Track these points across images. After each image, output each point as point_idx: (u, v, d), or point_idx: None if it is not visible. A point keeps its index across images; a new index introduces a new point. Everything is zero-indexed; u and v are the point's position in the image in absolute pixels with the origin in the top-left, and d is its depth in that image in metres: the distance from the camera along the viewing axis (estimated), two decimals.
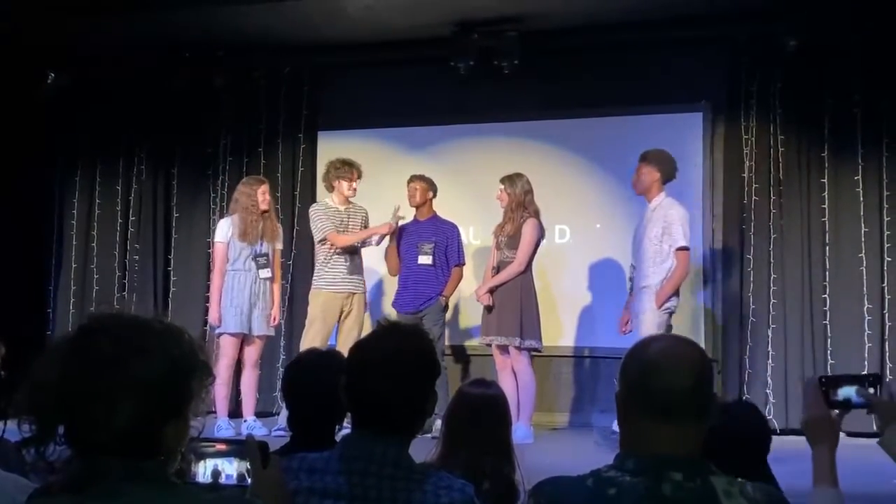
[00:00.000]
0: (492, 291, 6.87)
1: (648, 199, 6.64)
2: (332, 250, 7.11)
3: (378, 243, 7.27)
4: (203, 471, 1.80)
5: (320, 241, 7.19)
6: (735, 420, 2.53)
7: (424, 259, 7.15)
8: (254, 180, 7.33)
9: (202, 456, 1.80)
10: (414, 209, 7.35)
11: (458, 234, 7.37)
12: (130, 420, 1.55)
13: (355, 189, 7.17)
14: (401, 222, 7.31)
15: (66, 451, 1.58)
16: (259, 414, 7.38)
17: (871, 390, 2.22)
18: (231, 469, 1.83)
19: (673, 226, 6.47)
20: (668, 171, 6.65)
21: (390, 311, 7.46)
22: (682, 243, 6.46)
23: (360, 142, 8.43)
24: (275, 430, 6.73)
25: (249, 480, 1.82)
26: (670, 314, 6.51)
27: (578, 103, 8.08)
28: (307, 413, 2.91)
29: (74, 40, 7.88)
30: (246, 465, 1.82)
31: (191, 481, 1.75)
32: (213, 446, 1.82)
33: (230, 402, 7.34)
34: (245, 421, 7.11)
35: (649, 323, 6.40)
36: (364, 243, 7.23)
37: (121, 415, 1.55)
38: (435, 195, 7.35)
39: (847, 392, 2.21)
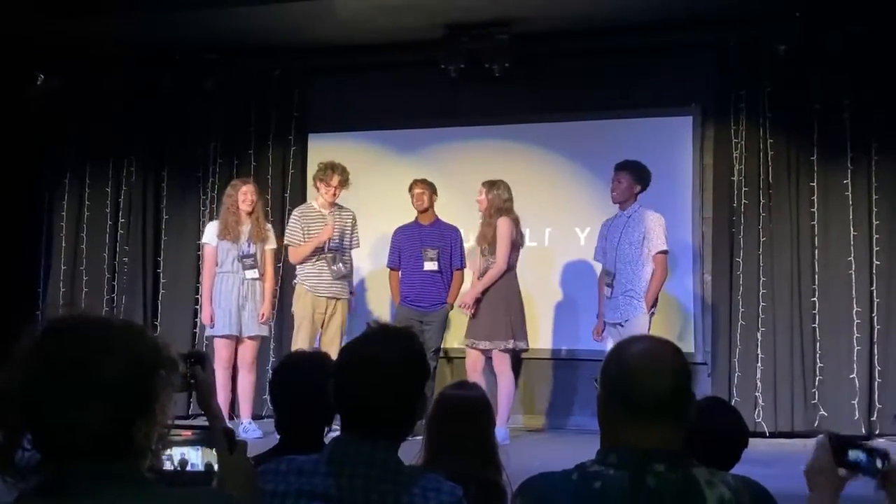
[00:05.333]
0: (478, 299, 6.89)
1: (623, 208, 6.77)
2: (319, 253, 7.13)
3: (328, 250, 7.18)
4: (170, 460, 1.80)
5: (285, 243, 7.32)
6: (709, 418, 2.54)
7: (430, 265, 7.20)
8: (238, 181, 7.42)
9: (169, 445, 1.79)
10: (417, 213, 7.38)
11: (461, 239, 7.42)
12: (98, 420, 1.54)
13: (333, 193, 7.16)
14: (402, 223, 7.44)
15: (35, 457, 1.56)
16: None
17: (879, 464, 2.18)
18: (197, 458, 1.84)
19: (654, 230, 6.62)
20: (647, 183, 6.83)
21: (377, 313, 7.50)
22: (664, 247, 6.63)
23: (350, 144, 8.42)
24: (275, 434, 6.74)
25: (216, 468, 1.82)
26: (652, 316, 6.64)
27: (569, 106, 8.08)
28: (295, 415, 2.90)
29: (64, 42, 7.86)
30: (212, 452, 1.82)
31: (159, 469, 1.75)
32: (180, 434, 1.82)
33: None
34: (241, 423, 7.10)
35: (641, 327, 6.46)
36: (331, 249, 7.18)
37: (88, 415, 1.53)
38: (436, 198, 7.39)
39: (857, 455, 2.18)
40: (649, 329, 6.50)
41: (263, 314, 7.25)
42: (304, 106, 8.60)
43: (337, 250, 7.20)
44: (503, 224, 6.87)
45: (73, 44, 7.89)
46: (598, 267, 7.09)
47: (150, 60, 8.26)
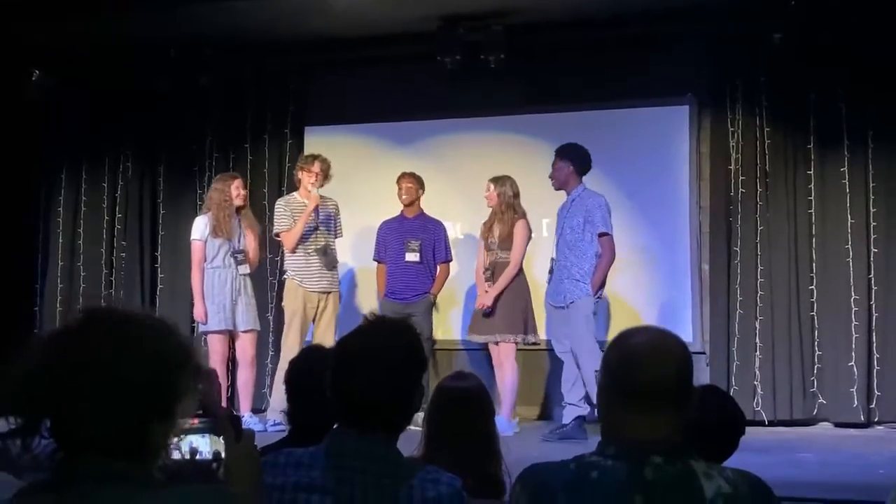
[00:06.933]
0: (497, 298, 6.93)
1: (567, 193, 6.81)
2: (308, 239, 7.15)
3: (318, 221, 7.19)
4: (179, 448, 1.80)
5: (275, 234, 7.35)
6: (705, 406, 2.53)
7: (411, 256, 7.28)
8: (227, 176, 7.38)
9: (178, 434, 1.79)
10: (403, 206, 7.43)
11: (445, 232, 7.49)
12: (116, 420, 1.52)
13: (314, 182, 7.12)
14: (385, 218, 7.51)
15: (51, 446, 1.55)
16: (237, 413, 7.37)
17: None
18: (205, 446, 1.84)
19: (593, 213, 6.63)
20: (582, 163, 6.82)
21: (373, 305, 7.52)
22: (603, 229, 6.63)
23: (347, 138, 8.42)
24: (270, 426, 6.76)
25: (224, 455, 1.82)
26: (598, 301, 6.69)
27: (565, 97, 8.07)
28: (308, 410, 2.90)
29: (60, 39, 7.84)
30: (220, 440, 1.82)
31: (169, 460, 1.74)
32: (188, 422, 1.82)
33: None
34: (242, 417, 7.11)
35: (585, 308, 6.54)
36: (321, 224, 7.21)
37: (106, 414, 1.52)
38: (423, 193, 7.41)
39: None
40: (595, 311, 6.61)
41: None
42: (299, 100, 8.59)
43: (325, 230, 7.21)
44: (521, 228, 6.93)
45: (69, 40, 7.87)
46: None
47: (146, 56, 8.23)
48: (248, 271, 7.20)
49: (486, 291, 6.94)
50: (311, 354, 3.16)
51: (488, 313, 6.94)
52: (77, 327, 1.59)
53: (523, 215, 6.99)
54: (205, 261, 7.15)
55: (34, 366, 1.55)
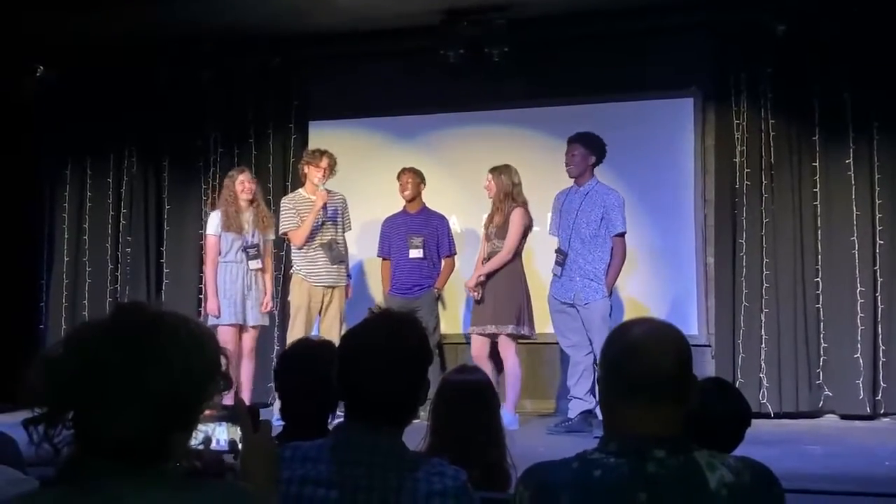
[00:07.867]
0: (482, 282, 6.87)
1: (580, 184, 6.71)
2: (316, 235, 7.15)
3: (325, 217, 7.17)
4: (194, 437, 1.79)
5: (281, 234, 7.35)
6: (711, 399, 2.53)
7: (415, 253, 7.28)
8: (234, 171, 7.40)
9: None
10: (405, 201, 7.44)
11: (448, 226, 7.51)
12: (139, 427, 1.52)
13: (322, 176, 7.11)
14: (388, 214, 7.53)
15: (68, 438, 1.54)
16: (255, 405, 7.38)
17: None
18: (222, 435, 1.83)
19: (611, 212, 6.55)
20: (601, 156, 6.75)
21: (378, 299, 7.54)
22: (622, 229, 6.57)
23: (351, 132, 8.42)
24: (275, 421, 6.76)
25: (241, 446, 1.81)
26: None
27: (568, 91, 8.05)
28: (299, 403, 2.91)
29: (63, 35, 7.84)
30: (237, 430, 1.82)
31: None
32: (205, 412, 1.82)
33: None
34: None
35: (602, 310, 6.49)
36: (328, 219, 7.20)
37: (129, 421, 1.51)
38: (424, 187, 7.43)
39: None
40: (610, 313, 6.55)
41: (267, 304, 7.27)
42: (303, 94, 8.59)
43: (332, 224, 7.21)
44: (517, 215, 6.86)
45: (72, 36, 7.87)
46: None
47: (149, 51, 8.23)
48: (259, 266, 7.21)
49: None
50: (297, 350, 3.16)
51: (479, 300, 6.91)
52: (109, 327, 1.57)
53: (523, 204, 6.92)
54: (219, 255, 7.17)
55: (64, 358, 1.54)
